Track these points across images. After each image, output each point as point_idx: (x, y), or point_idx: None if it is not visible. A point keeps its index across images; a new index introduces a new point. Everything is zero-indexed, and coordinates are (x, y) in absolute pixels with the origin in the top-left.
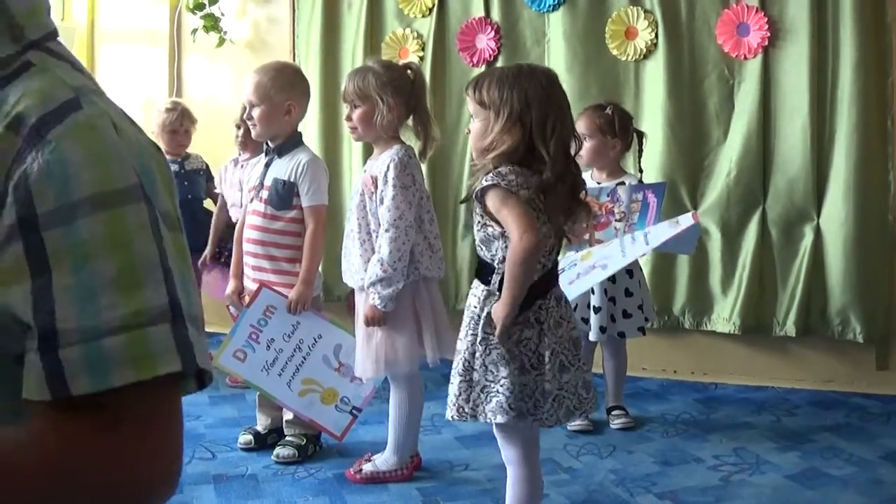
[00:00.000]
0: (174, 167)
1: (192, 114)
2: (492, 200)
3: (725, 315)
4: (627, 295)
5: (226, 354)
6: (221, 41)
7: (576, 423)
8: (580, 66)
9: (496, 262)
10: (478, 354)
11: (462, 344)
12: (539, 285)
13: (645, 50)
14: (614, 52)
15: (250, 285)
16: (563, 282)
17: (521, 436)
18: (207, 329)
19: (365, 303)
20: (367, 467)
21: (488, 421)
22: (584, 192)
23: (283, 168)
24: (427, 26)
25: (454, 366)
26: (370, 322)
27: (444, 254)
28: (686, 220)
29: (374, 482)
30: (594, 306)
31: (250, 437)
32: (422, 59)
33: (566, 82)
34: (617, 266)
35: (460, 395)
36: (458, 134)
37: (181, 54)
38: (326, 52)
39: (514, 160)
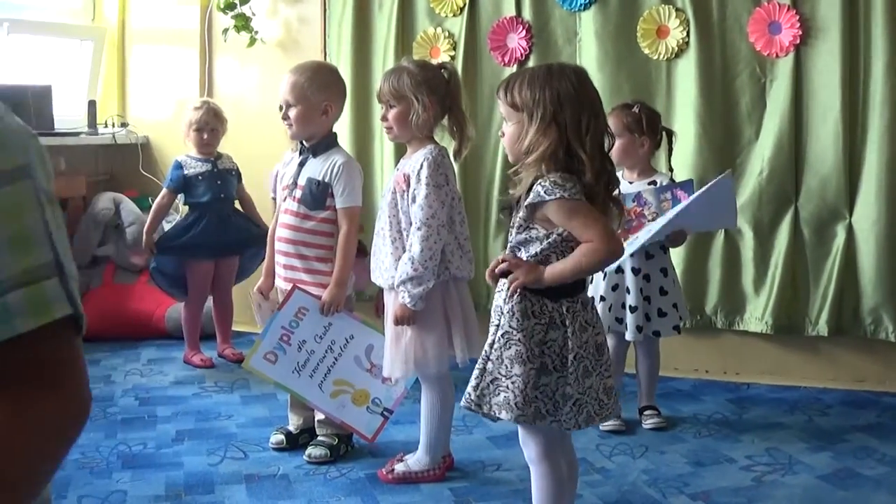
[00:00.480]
0: (207, 167)
1: (222, 113)
2: (557, 213)
3: (758, 314)
4: (662, 294)
5: (256, 357)
6: (252, 41)
7: (608, 424)
8: (612, 64)
9: (527, 258)
10: (496, 346)
11: (488, 337)
12: (569, 285)
13: (676, 49)
14: (646, 51)
15: (281, 284)
16: None
17: (542, 434)
18: (238, 328)
19: (395, 302)
20: (399, 467)
21: (493, 414)
22: (618, 189)
23: (318, 168)
24: (458, 25)
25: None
26: (399, 321)
27: (475, 254)
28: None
29: (405, 482)
30: (630, 306)
31: (282, 436)
32: (453, 58)
33: (597, 81)
34: (657, 227)
35: (470, 382)
36: (489, 134)
37: (212, 54)
38: (358, 51)
39: (556, 163)
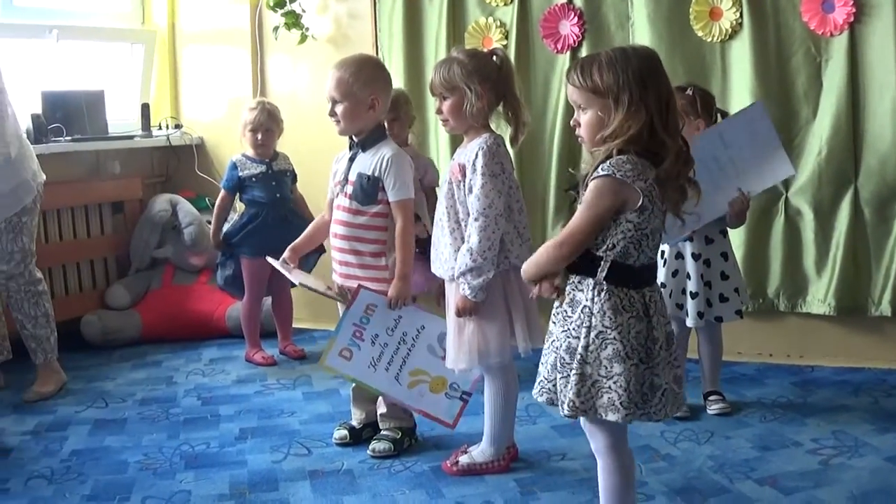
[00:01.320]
0: (262, 168)
1: (277, 114)
2: (595, 187)
3: (820, 296)
4: (724, 278)
5: (332, 355)
6: (303, 38)
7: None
8: (665, 48)
9: (602, 251)
10: (591, 348)
11: (572, 337)
12: (647, 273)
13: (730, 30)
14: (699, 34)
15: (338, 280)
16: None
17: (610, 426)
18: (298, 325)
19: (455, 293)
20: (464, 459)
21: (600, 416)
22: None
23: (367, 163)
24: (510, 14)
25: (551, 359)
26: (461, 313)
27: (534, 242)
28: None
29: (470, 474)
30: (691, 291)
31: (345, 432)
32: (505, 47)
33: None
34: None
35: (572, 388)
36: (544, 122)
37: (264, 53)
38: (409, 44)
39: (637, 148)
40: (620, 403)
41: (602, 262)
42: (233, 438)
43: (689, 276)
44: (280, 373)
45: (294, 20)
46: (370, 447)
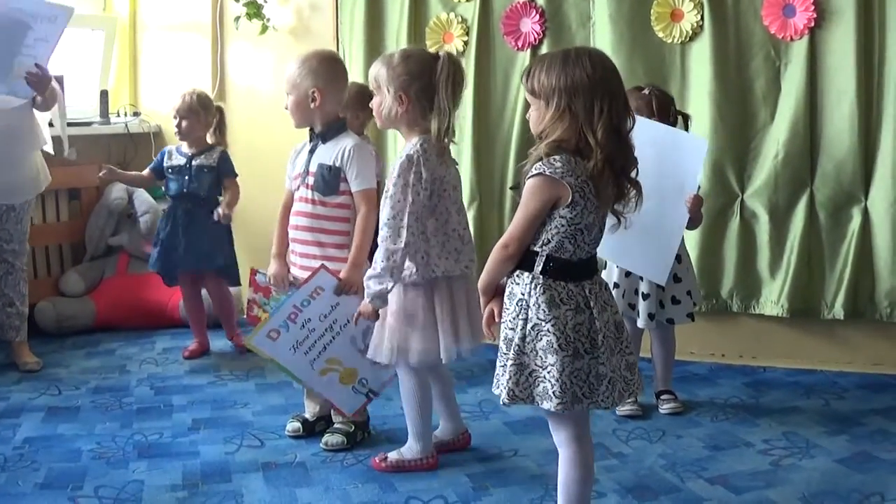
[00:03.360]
0: (181, 161)
1: (198, 104)
2: (528, 186)
3: (773, 298)
4: (676, 281)
5: (260, 334)
6: (264, 28)
7: (625, 409)
8: (626, 48)
9: (538, 246)
10: (528, 339)
11: (508, 328)
12: (585, 267)
13: (691, 32)
14: (660, 35)
15: (298, 273)
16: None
17: (572, 418)
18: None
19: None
20: (392, 455)
21: (537, 405)
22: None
23: (328, 154)
24: (471, 11)
25: (502, 350)
26: (362, 314)
27: (490, 237)
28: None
29: (398, 471)
30: (643, 293)
31: (298, 424)
32: (466, 43)
33: None
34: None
35: (511, 378)
36: (502, 119)
37: (224, 43)
38: (370, 38)
39: (568, 148)
40: (553, 393)
41: (538, 257)
42: (186, 429)
43: (641, 278)
44: (233, 364)
45: (255, 10)
46: (323, 440)
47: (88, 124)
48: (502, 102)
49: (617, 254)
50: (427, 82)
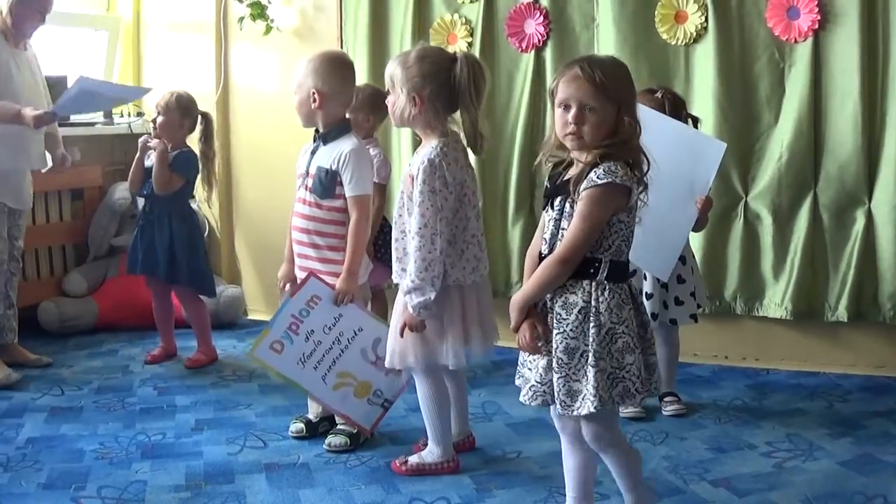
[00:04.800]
0: (148, 163)
1: (174, 105)
2: (594, 197)
3: (777, 300)
4: (680, 282)
5: (263, 346)
6: (268, 29)
7: (628, 411)
8: (630, 50)
9: (600, 252)
10: (604, 344)
11: (570, 338)
12: (628, 265)
13: (695, 34)
14: (664, 37)
15: (299, 274)
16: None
17: (612, 415)
18: (256, 317)
19: (399, 301)
20: (413, 459)
21: (617, 405)
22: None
23: (327, 156)
24: (475, 12)
25: (543, 363)
26: (410, 328)
27: (496, 241)
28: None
29: (419, 475)
30: (646, 293)
31: (301, 425)
32: (470, 45)
33: None
34: None
35: (598, 385)
36: (506, 121)
37: (228, 43)
38: (374, 39)
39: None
40: (636, 389)
41: (601, 264)
42: (189, 429)
43: (645, 277)
44: (236, 365)
45: (259, 11)
46: (326, 441)
47: (92, 125)
48: (506, 104)
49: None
50: (442, 84)
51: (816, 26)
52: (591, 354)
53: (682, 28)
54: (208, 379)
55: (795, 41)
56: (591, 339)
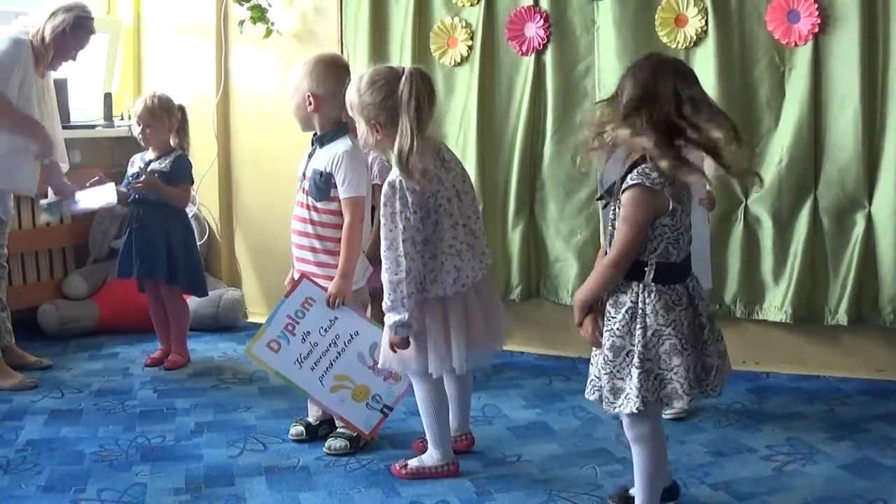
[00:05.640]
0: (140, 166)
1: (157, 109)
2: (629, 200)
3: (777, 304)
4: None
5: (260, 344)
6: (269, 32)
7: (669, 412)
8: (630, 53)
9: (645, 255)
10: (650, 345)
11: (616, 337)
12: (684, 266)
13: (695, 37)
14: (664, 40)
15: (297, 276)
16: None
17: (656, 412)
18: (254, 320)
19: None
20: (413, 463)
21: (665, 405)
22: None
23: (323, 159)
24: (476, 15)
25: (600, 360)
26: (393, 346)
27: (496, 245)
28: None
29: (419, 478)
30: None
31: (301, 428)
32: (470, 48)
33: (616, 70)
34: None
35: (641, 386)
36: (506, 124)
37: (228, 46)
38: (374, 42)
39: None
40: (683, 391)
41: (647, 266)
42: (189, 432)
43: None
44: (236, 367)
45: (260, 14)
46: (326, 444)
47: (92, 127)
48: (506, 107)
49: None
50: (394, 106)
51: (816, 30)
52: (636, 355)
53: (682, 31)
54: (208, 382)
55: (795, 45)
56: (636, 340)
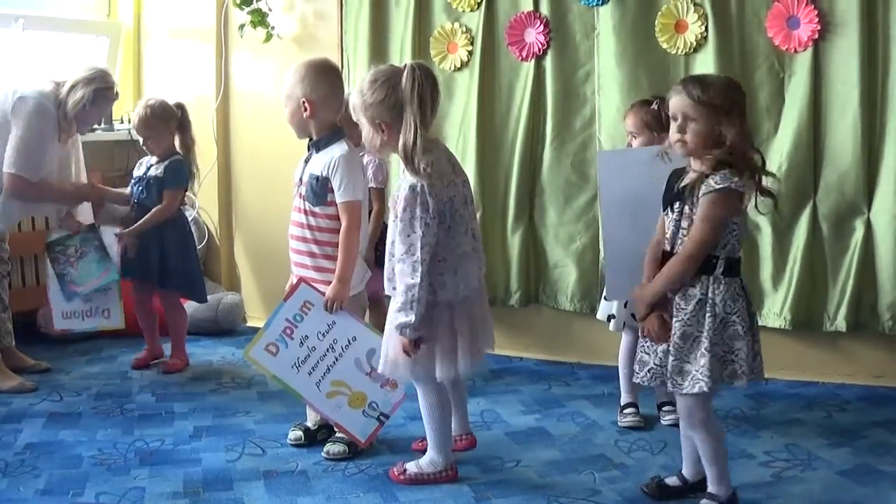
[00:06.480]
0: (141, 171)
1: (150, 117)
2: (715, 200)
3: (776, 310)
4: None
5: (258, 347)
6: (269, 36)
7: (626, 420)
8: (630, 59)
9: (717, 251)
10: (717, 332)
11: (686, 325)
12: (740, 262)
13: (695, 43)
14: (664, 46)
15: (295, 281)
16: None
17: (703, 401)
18: (253, 325)
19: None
20: (411, 468)
21: (727, 384)
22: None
23: (319, 163)
24: (476, 20)
25: (677, 344)
26: (405, 352)
27: (496, 251)
28: None
29: (417, 484)
30: None
31: (300, 432)
32: (470, 53)
33: (615, 76)
34: None
35: (710, 368)
36: (506, 129)
37: (228, 50)
38: (374, 47)
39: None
40: (743, 372)
41: (718, 261)
42: (187, 436)
43: None
44: (235, 371)
45: (260, 18)
46: (325, 449)
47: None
48: (506, 112)
49: None
50: (398, 103)
51: (816, 36)
52: (705, 340)
53: (682, 37)
54: (207, 386)
55: (795, 51)
56: (705, 327)
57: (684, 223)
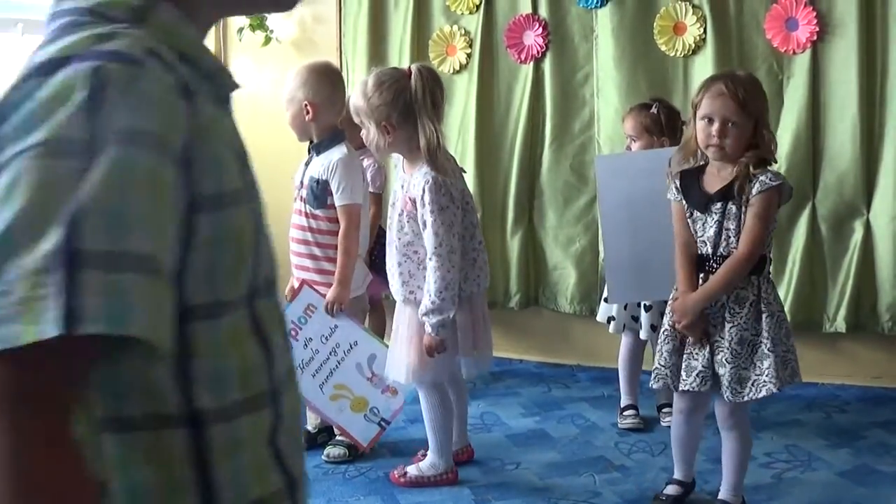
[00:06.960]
0: None
1: None
2: (768, 199)
3: None
4: None
5: None
6: (268, 40)
7: (626, 422)
8: (628, 62)
9: (763, 249)
10: (775, 331)
11: (743, 330)
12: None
13: (693, 45)
14: (663, 48)
15: (296, 284)
16: None
17: (746, 403)
18: None
19: (408, 319)
20: (412, 471)
21: (787, 383)
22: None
23: (319, 166)
24: (474, 23)
25: (735, 351)
26: (430, 351)
27: (495, 253)
28: None
29: (418, 486)
30: (645, 304)
31: None
32: (469, 56)
33: (614, 79)
34: None
35: (778, 368)
36: (505, 132)
37: (227, 53)
38: (373, 50)
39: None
40: (798, 368)
41: (765, 259)
42: None
43: None
44: None
45: (259, 22)
46: (325, 452)
47: None
48: (505, 115)
49: (645, 290)
50: (405, 104)
51: (815, 38)
52: (766, 341)
53: (680, 40)
54: None
55: (794, 52)
56: (764, 329)
57: (729, 223)
